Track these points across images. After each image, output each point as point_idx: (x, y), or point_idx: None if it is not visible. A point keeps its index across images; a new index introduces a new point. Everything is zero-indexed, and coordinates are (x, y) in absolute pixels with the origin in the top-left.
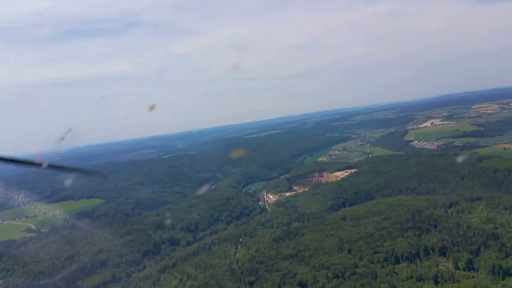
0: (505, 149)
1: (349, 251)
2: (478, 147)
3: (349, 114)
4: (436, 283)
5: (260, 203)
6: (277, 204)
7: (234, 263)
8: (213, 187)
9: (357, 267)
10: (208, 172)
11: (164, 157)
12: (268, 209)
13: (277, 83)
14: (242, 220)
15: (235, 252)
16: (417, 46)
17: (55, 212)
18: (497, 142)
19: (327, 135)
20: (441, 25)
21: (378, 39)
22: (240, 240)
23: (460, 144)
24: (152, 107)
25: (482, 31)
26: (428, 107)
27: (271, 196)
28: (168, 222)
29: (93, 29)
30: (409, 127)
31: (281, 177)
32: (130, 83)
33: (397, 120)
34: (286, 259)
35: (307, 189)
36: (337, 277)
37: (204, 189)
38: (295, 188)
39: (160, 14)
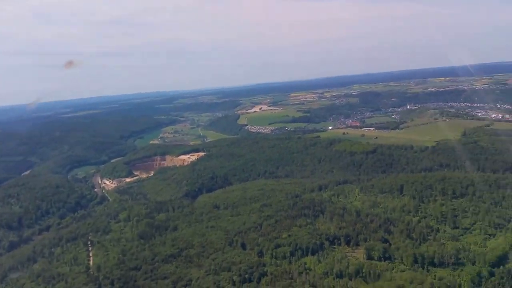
0: (344, 133)
1: (243, 246)
2: (317, 131)
3: (171, 97)
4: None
5: (96, 190)
6: (118, 191)
7: (95, 270)
8: (27, 172)
9: (264, 265)
10: (18, 156)
11: None
12: (109, 198)
13: (89, 60)
14: (81, 213)
15: (88, 256)
16: (234, 34)
17: None
18: (324, 128)
19: (154, 117)
20: (257, 15)
21: (197, 23)
22: (90, 238)
23: (291, 129)
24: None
25: (292, 25)
26: (250, 93)
27: (108, 182)
28: None
29: None
30: (239, 112)
31: (112, 160)
32: None
33: (223, 104)
34: (169, 262)
35: (151, 174)
36: (245, 280)
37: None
38: (135, 173)
39: None
